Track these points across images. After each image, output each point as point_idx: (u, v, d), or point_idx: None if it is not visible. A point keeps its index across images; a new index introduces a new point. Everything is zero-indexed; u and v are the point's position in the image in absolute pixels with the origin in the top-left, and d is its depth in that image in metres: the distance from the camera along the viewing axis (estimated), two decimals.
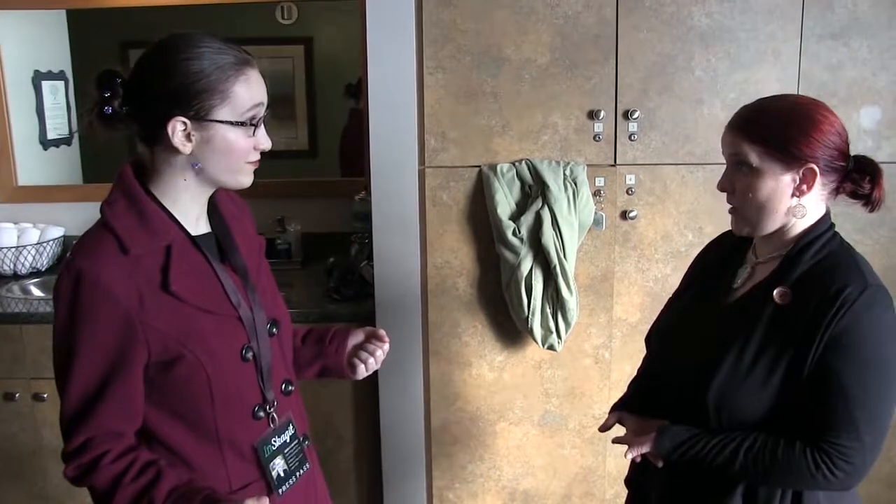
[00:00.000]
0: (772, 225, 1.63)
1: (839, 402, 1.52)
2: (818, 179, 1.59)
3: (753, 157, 1.59)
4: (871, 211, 1.66)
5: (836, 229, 1.67)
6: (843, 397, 1.51)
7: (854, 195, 1.65)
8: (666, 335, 1.88)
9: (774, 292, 1.61)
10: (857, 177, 1.62)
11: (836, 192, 1.64)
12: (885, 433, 1.57)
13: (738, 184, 1.63)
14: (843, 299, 1.51)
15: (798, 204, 1.61)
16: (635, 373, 2.06)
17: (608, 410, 1.99)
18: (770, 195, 1.60)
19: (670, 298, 1.99)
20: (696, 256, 2.00)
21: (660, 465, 1.73)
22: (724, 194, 1.69)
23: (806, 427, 1.56)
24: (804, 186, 1.59)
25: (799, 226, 1.64)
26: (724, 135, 1.67)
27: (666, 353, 1.84)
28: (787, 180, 1.59)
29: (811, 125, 1.57)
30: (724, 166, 1.69)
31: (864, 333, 1.52)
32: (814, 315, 1.53)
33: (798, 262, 1.61)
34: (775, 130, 1.58)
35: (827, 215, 1.66)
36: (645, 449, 1.73)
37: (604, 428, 1.93)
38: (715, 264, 1.86)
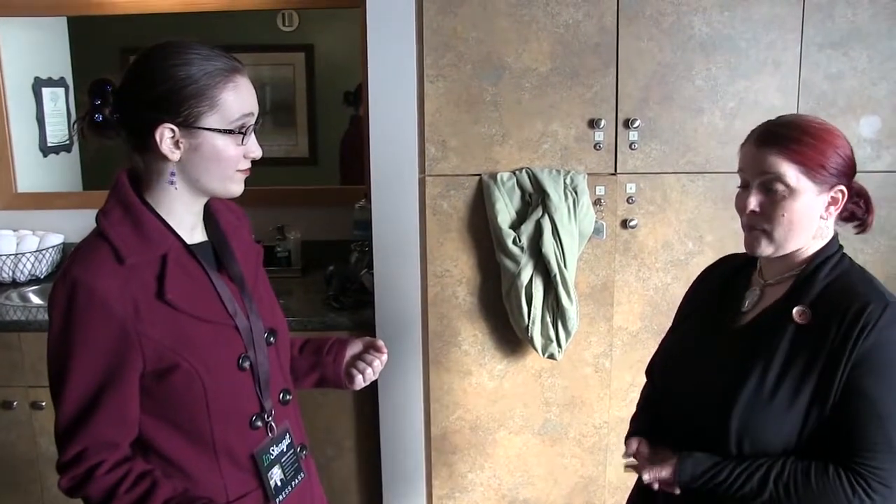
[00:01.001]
0: (795, 245, 1.60)
1: (872, 422, 1.49)
2: (843, 201, 1.59)
3: (791, 178, 1.54)
4: (862, 232, 1.68)
5: (839, 239, 1.67)
6: (876, 417, 1.49)
7: (851, 217, 1.66)
8: (674, 365, 1.82)
9: (794, 311, 1.57)
10: (856, 199, 1.64)
11: (839, 214, 1.64)
12: None
13: (769, 203, 1.58)
14: (866, 318, 1.49)
15: (824, 226, 1.61)
16: (635, 409, 1.98)
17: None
18: (803, 216, 1.57)
19: (670, 329, 1.95)
20: (693, 285, 1.96)
21: (676, 492, 1.66)
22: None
23: (837, 450, 1.52)
24: (832, 208, 1.59)
25: (809, 248, 1.62)
26: (752, 152, 1.61)
27: (677, 383, 1.78)
28: (819, 202, 1.57)
29: (842, 146, 1.57)
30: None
31: (889, 350, 1.50)
32: (838, 335, 1.51)
33: (813, 281, 1.59)
34: (813, 151, 1.54)
35: (836, 236, 1.65)
36: (664, 473, 1.66)
37: (628, 454, 1.83)
38: (717, 289, 1.81)
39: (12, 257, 3.41)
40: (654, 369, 1.92)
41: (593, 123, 2.68)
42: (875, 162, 2.67)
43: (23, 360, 2.94)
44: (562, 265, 2.65)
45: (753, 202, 1.59)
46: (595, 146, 2.69)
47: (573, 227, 2.66)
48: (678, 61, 2.64)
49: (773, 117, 1.64)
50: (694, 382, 1.71)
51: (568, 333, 2.72)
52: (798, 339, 1.56)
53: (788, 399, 1.54)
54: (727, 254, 1.94)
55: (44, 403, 2.96)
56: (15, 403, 2.97)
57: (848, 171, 1.58)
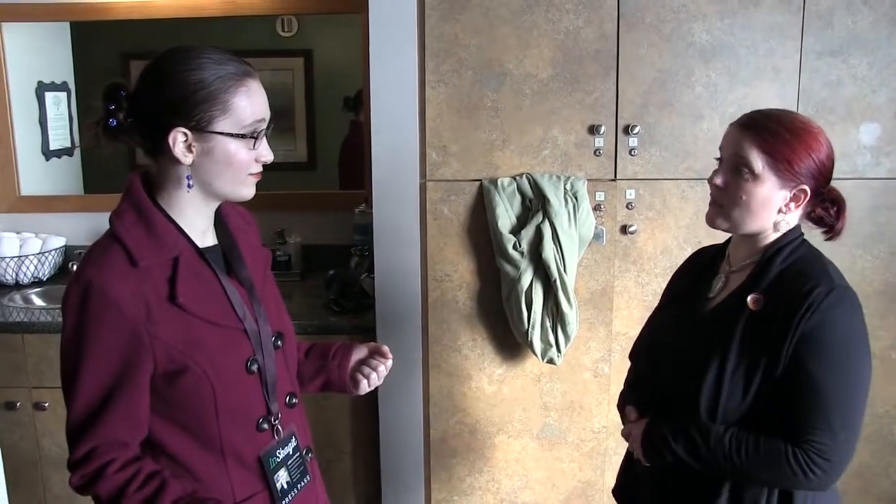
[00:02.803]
0: (751, 229, 1.68)
1: (813, 399, 1.57)
2: (804, 201, 1.65)
3: (758, 165, 1.62)
4: (830, 239, 1.73)
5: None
6: (816, 393, 1.57)
7: (820, 221, 1.72)
8: (650, 351, 1.91)
9: (748, 299, 1.65)
10: (828, 205, 1.70)
11: (808, 215, 1.71)
12: (858, 431, 1.61)
13: (733, 183, 1.66)
14: (812, 298, 1.57)
15: (783, 220, 1.67)
16: (622, 391, 2.05)
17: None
18: (761, 204, 1.65)
19: (650, 316, 2.02)
20: (673, 275, 2.03)
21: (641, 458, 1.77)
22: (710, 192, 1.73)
23: (783, 426, 1.60)
24: (792, 205, 1.66)
25: (771, 235, 1.70)
26: (730, 133, 1.69)
27: (653, 369, 1.86)
28: (780, 195, 1.64)
29: (817, 149, 1.62)
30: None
31: (832, 332, 1.58)
32: (785, 315, 1.59)
33: (769, 268, 1.67)
34: (785, 146, 1.61)
35: (798, 225, 1.72)
36: (637, 427, 1.79)
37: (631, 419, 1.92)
38: (693, 278, 1.90)
39: (15, 259, 3.42)
40: (635, 352, 1.99)
41: (593, 129, 2.69)
42: (875, 169, 2.69)
43: (26, 362, 2.96)
44: (562, 270, 2.67)
45: (719, 178, 1.69)
46: (595, 152, 2.71)
47: (573, 233, 2.68)
48: (678, 68, 2.66)
49: None
50: (667, 368, 1.79)
51: (567, 338, 2.73)
52: (752, 325, 1.65)
53: (744, 383, 1.62)
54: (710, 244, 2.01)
55: (46, 404, 2.97)
56: (18, 404, 2.99)
57: (817, 174, 1.64)
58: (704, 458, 1.65)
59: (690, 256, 2.02)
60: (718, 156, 1.73)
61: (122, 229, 1.45)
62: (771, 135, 1.62)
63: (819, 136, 1.64)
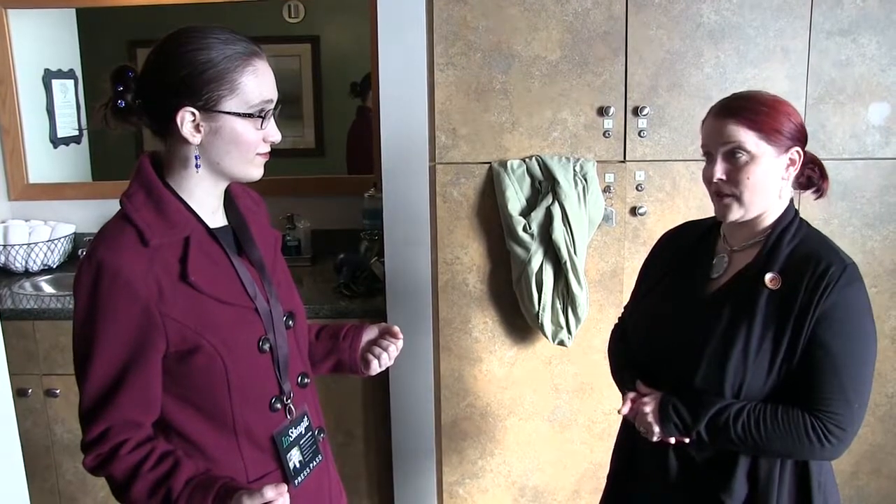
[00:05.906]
0: (761, 207, 1.73)
1: (830, 371, 1.64)
2: (799, 162, 1.72)
3: (752, 144, 1.68)
4: (819, 197, 1.83)
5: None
6: (833, 366, 1.63)
7: (808, 183, 1.80)
8: (655, 330, 1.90)
9: (766, 278, 1.70)
10: (812, 166, 1.78)
11: (797, 180, 1.78)
12: (868, 401, 1.68)
13: (733, 170, 1.70)
14: (828, 278, 1.64)
15: (785, 186, 1.74)
16: (613, 364, 2.10)
17: (617, 406, 2.01)
18: (765, 177, 1.70)
19: (639, 293, 2.04)
20: (654, 251, 2.06)
21: (654, 438, 1.77)
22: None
23: (799, 399, 1.66)
24: (791, 169, 1.72)
25: (770, 215, 1.75)
26: (712, 125, 1.74)
27: (662, 348, 1.85)
28: (778, 163, 1.70)
29: (792, 113, 1.71)
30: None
31: (847, 308, 1.65)
32: (805, 295, 1.65)
33: (779, 248, 1.73)
34: (767, 117, 1.68)
35: (792, 203, 1.78)
36: (648, 404, 1.79)
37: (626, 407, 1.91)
38: (684, 256, 1.92)
39: (25, 247, 3.43)
40: (632, 333, 1.99)
41: (602, 111, 2.69)
42: (884, 149, 2.68)
43: (37, 349, 2.97)
44: (572, 252, 2.67)
45: (719, 171, 1.73)
46: (604, 134, 2.70)
47: (583, 215, 2.68)
48: (687, 49, 2.65)
49: None
50: (680, 346, 1.79)
51: (578, 320, 2.73)
52: (772, 302, 1.69)
53: (769, 358, 1.67)
54: (686, 221, 2.07)
55: (58, 391, 2.99)
56: (30, 391, 3.00)
57: (800, 136, 1.72)
58: (724, 436, 1.68)
59: (673, 232, 2.06)
60: (702, 152, 1.78)
61: (133, 209, 1.46)
62: (752, 112, 1.69)
63: (788, 103, 1.73)
